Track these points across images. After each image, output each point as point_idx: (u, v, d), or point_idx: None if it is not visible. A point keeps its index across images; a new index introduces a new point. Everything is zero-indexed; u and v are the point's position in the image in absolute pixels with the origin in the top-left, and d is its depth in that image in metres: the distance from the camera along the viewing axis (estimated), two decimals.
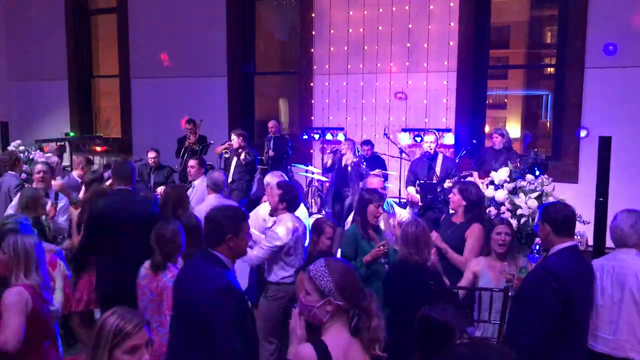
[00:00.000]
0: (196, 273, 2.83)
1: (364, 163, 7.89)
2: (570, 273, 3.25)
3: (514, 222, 5.27)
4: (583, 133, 7.84)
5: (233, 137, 8.32)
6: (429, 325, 2.69)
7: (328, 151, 8.95)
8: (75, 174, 7.16)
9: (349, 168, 8.07)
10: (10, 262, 3.16)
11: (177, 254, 3.72)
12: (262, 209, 5.28)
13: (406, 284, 3.72)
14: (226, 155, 8.64)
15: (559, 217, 3.38)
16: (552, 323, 3.21)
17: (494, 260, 4.15)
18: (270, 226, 4.74)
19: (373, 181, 5.36)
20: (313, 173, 8.97)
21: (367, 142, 8.40)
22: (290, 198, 4.55)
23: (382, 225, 4.97)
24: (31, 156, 8.38)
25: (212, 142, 9.15)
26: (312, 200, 8.92)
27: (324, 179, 8.71)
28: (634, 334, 3.55)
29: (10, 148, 8.35)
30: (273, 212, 4.67)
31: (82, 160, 7.33)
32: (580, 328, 3.39)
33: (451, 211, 5.03)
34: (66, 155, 10.28)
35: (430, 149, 7.19)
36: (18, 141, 8.71)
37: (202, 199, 5.93)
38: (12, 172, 6.60)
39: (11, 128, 11.63)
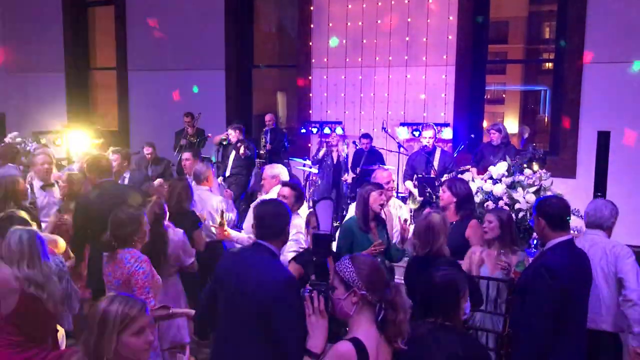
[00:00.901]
0: (257, 264, 2.78)
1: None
2: (565, 268, 3.26)
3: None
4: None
5: (230, 131, 8.32)
6: (438, 286, 2.63)
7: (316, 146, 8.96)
8: (75, 167, 7.12)
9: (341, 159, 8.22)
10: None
11: (135, 240, 3.56)
12: None
13: (418, 277, 3.65)
14: (224, 144, 8.64)
15: (553, 212, 3.40)
16: (549, 318, 3.21)
17: (488, 249, 4.22)
18: None
19: (383, 174, 5.20)
20: (311, 167, 8.97)
21: (366, 136, 8.39)
22: (301, 197, 4.55)
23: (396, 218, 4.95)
24: (28, 148, 8.36)
25: (209, 134, 9.14)
26: (309, 194, 8.91)
27: (314, 170, 8.74)
28: (605, 307, 3.79)
29: (7, 139, 8.33)
30: None
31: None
32: (578, 322, 3.39)
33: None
34: (62, 148, 10.25)
35: (428, 144, 7.19)
36: (15, 133, 8.69)
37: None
38: (12, 165, 6.56)
39: (8, 119, 11.59)
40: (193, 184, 5.45)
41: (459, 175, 6.96)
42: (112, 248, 3.56)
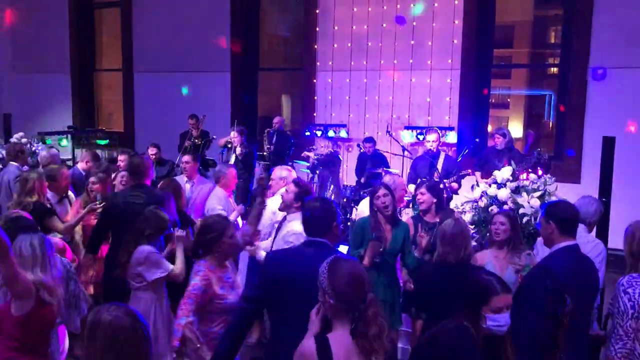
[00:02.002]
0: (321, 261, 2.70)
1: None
2: (566, 271, 3.24)
3: None
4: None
5: (232, 134, 8.36)
6: (477, 286, 2.70)
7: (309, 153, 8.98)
8: (79, 166, 7.15)
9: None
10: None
11: (217, 250, 3.48)
12: (272, 202, 5.23)
13: (447, 285, 3.49)
14: (229, 146, 8.67)
15: (565, 216, 3.37)
16: (548, 319, 3.16)
17: (497, 250, 4.23)
18: (279, 220, 4.64)
19: (396, 181, 5.21)
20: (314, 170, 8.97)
21: (370, 140, 8.38)
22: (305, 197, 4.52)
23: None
24: (33, 148, 8.40)
25: (214, 137, 9.15)
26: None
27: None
28: None
29: (13, 140, 8.36)
30: (285, 208, 4.49)
31: (87, 155, 7.32)
32: (577, 327, 3.32)
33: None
34: (67, 149, 10.30)
35: (432, 148, 7.18)
36: (20, 133, 8.72)
37: (205, 195, 5.97)
38: (15, 163, 6.59)
39: (14, 120, 11.64)
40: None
41: (461, 180, 6.99)
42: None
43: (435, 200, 4.88)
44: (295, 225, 4.09)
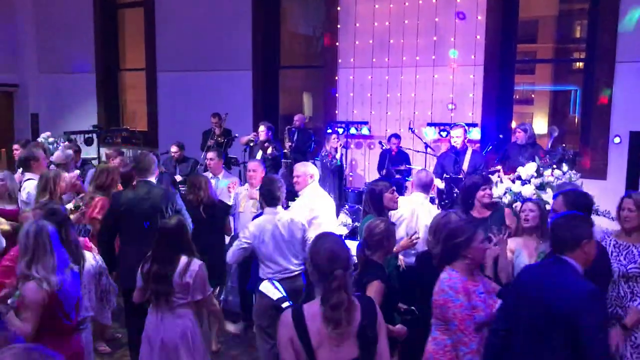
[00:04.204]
0: (558, 277, 2.85)
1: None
2: None
3: None
4: (617, 140, 7.66)
5: (261, 128, 8.36)
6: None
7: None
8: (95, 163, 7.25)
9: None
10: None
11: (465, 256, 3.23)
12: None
13: (424, 279, 3.65)
14: (251, 144, 8.70)
15: (588, 204, 3.57)
16: None
17: (526, 238, 4.23)
18: (315, 216, 4.81)
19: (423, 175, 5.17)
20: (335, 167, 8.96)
21: (397, 136, 8.40)
22: (266, 192, 4.56)
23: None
24: (59, 148, 8.54)
25: (237, 135, 9.20)
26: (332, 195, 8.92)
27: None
28: None
29: (40, 139, 8.52)
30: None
31: (114, 152, 7.43)
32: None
33: None
34: (93, 148, 10.44)
35: (456, 144, 7.13)
36: (47, 133, 8.88)
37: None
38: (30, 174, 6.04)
39: (41, 120, 11.86)
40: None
41: (489, 176, 6.92)
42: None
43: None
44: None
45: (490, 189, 4.62)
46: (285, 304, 3.12)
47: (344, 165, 8.92)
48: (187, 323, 3.83)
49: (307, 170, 5.18)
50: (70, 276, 3.42)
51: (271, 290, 3.26)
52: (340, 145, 8.71)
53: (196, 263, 3.84)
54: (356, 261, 3.60)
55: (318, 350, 2.46)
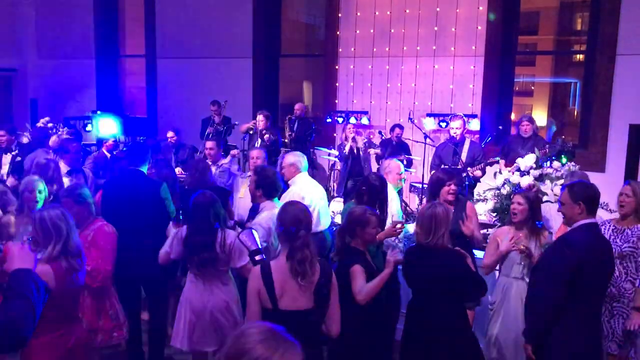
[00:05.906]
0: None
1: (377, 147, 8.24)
2: (584, 244, 3.39)
3: None
4: None
5: (259, 117, 8.37)
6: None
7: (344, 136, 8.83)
8: (105, 149, 7.27)
9: (361, 152, 8.28)
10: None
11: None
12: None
13: (419, 269, 3.70)
14: (251, 132, 8.70)
15: (594, 196, 3.52)
16: (564, 286, 3.34)
17: (515, 231, 4.26)
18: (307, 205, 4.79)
19: (391, 165, 5.17)
20: (336, 157, 8.97)
21: (400, 127, 8.41)
22: (268, 183, 4.54)
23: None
24: (59, 133, 8.52)
25: (236, 122, 9.19)
26: (334, 184, 8.93)
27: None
28: None
29: (39, 125, 8.50)
30: (253, 199, 4.75)
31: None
32: (590, 302, 3.47)
33: None
34: (92, 134, 10.42)
35: (456, 135, 7.12)
36: (47, 118, 8.85)
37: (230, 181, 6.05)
38: (43, 149, 6.69)
39: (40, 105, 11.80)
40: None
41: (486, 168, 6.93)
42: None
43: None
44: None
45: (455, 184, 4.63)
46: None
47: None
48: (232, 289, 4.05)
49: (291, 160, 5.17)
50: None
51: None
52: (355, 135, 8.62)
53: (231, 234, 3.98)
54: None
55: (281, 299, 2.95)
